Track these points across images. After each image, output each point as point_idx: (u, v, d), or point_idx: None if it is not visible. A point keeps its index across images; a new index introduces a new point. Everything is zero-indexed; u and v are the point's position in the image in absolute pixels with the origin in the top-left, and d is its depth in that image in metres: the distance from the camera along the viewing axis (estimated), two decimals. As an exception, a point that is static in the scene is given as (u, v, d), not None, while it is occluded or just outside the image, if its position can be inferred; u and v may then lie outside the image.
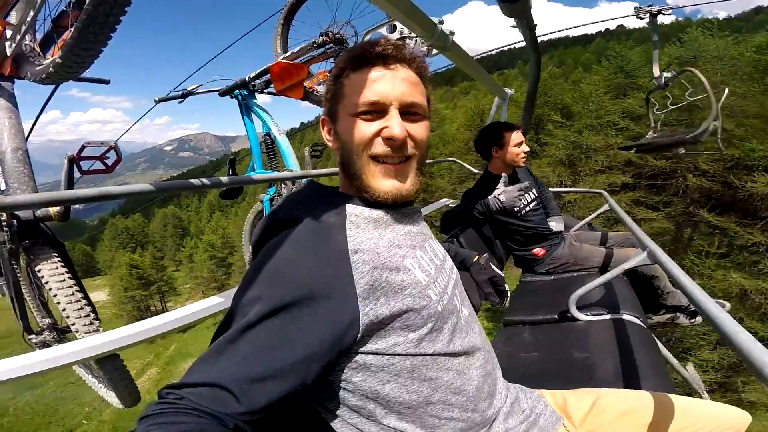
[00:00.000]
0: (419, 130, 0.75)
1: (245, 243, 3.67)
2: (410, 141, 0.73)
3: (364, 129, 0.72)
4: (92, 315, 1.60)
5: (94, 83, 1.67)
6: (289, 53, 2.40)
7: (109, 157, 1.90)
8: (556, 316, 1.82)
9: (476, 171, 5.08)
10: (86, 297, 1.64)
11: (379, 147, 0.72)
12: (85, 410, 21.09)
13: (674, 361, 1.60)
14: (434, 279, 0.74)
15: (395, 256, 0.69)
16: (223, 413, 0.51)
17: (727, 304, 2.46)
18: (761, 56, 15.15)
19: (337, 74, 0.77)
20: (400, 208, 0.78)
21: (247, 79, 2.65)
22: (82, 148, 1.76)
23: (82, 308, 1.58)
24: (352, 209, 0.73)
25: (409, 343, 0.66)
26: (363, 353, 0.65)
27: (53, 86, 1.66)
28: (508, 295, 1.40)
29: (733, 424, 0.88)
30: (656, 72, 3.20)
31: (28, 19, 1.06)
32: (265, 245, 0.68)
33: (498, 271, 1.40)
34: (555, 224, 2.59)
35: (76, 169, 1.68)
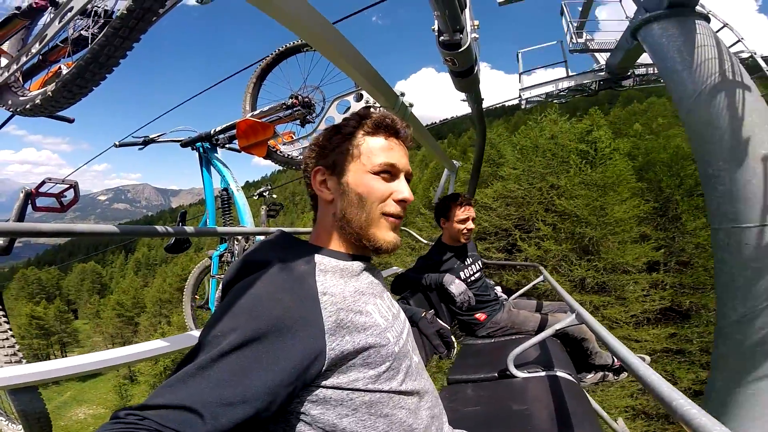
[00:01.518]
0: None
1: (186, 297, 3.53)
2: None
3: (382, 187, 0.84)
4: (16, 347, 1.48)
5: (58, 120, 1.66)
6: (257, 111, 2.52)
7: (66, 196, 1.84)
8: (497, 374, 1.92)
9: (425, 241, 5.31)
10: (11, 329, 1.52)
11: (392, 207, 0.84)
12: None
13: (605, 414, 1.71)
14: (391, 324, 0.81)
15: (359, 301, 0.76)
16: None
17: (647, 358, 2.68)
18: (578, 145, 16.35)
19: (350, 132, 0.86)
20: (364, 263, 0.87)
21: (211, 132, 2.70)
22: (42, 183, 1.71)
23: (7, 339, 1.47)
24: (320, 259, 0.79)
25: (368, 379, 0.71)
26: (325, 387, 0.68)
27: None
28: (455, 346, 1.46)
29: None
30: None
31: (33, 50, 1.08)
32: (239, 283, 0.71)
33: (444, 324, 1.48)
34: (499, 291, 2.79)
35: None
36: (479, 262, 2.73)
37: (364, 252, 0.88)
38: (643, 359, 2.65)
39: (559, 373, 1.76)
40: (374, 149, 0.85)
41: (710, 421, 0.56)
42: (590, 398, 1.64)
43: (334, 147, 0.87)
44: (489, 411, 1.60)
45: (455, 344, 1.48)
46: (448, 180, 4.37)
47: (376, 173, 0.83)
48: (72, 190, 1.86)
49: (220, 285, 0.77)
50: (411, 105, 2.18)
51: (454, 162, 4.26)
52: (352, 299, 0.75)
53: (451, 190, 4.30)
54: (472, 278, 2.59)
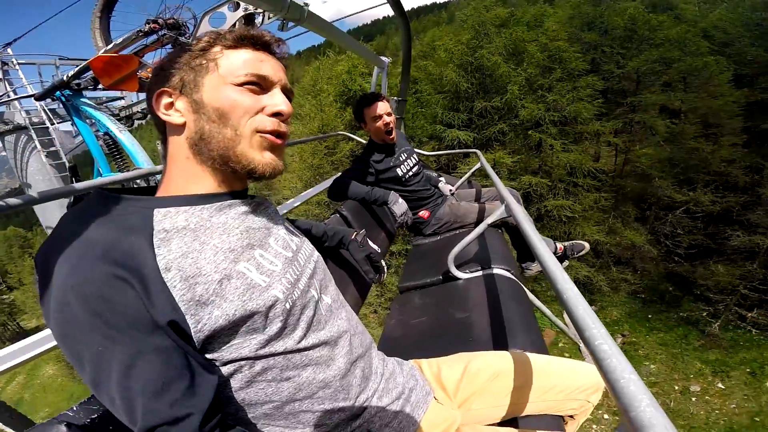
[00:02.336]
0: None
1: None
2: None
3: (249, 100, 0.70)
4: None
5: None
6: (111, 45, 2.06)
7: None
8: (441, 277, 1.90)
9: (363, 141, 5.06)
10: None
11: (267, 122, 0.71)
12: None
13: (548, 312, 1.74)
14: (280, 276, 0.69)
15: (222, 264, 0.63)
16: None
17: (586, 246, 2.79)
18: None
19: (204, 48, 0.71)
20: (235, 201, 0.73)
21: (66, 78, 2.22)
22: None
23: None
24: (161, 219, 0.63)
25: (257, 345, 0.63)
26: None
27: None
28: (385, 270, 1.40)
29: (593, 382, 0.98)
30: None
31: None
32: (66, 282, 0.54)
33: (375, 247, 1.38)
34: (443, 185, 2.73)
35: None
36: (414, 156, 2.60)
37: (232, 183, 0.74)
38: (582, 247, 2.79)
39: (496, 270, 1.75)
40: (236, 61, 0.70)
41: (621, 363, 0.50)
42: (530, 295, 1.67)
43: (182, 65, 0.71)
44: (433, 321, 1.60)
45: (385, 268, 1.42)
46: (379, 78, 3.99)
47: (240, 84, 0.69)
48: None
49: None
50: (306, 4, 1.79)
51: (383, 58, 3.85)
52: (212, 266, 0.61)
53: (384, 89, 3.96)
54: (410, 173, 2.48)
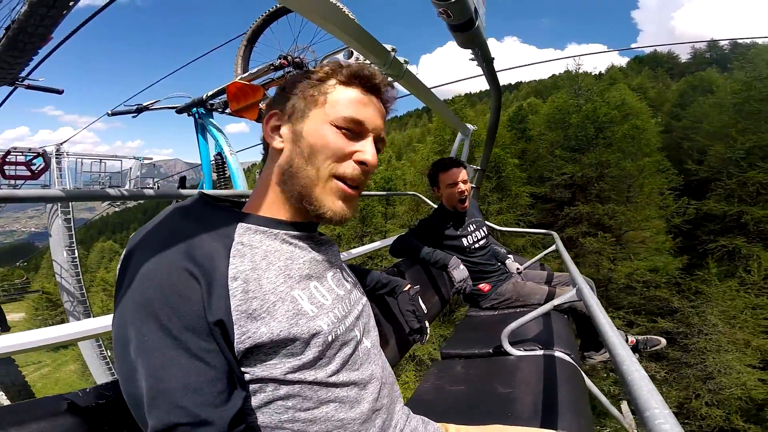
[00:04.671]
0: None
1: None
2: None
3: (340, 143, 0.72)
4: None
5: (47, 92, 1.59)
6: (247, 74, 2.42)
7: (35, 164, 1.83)
8: (491, 351, 1.81)
9: (434, 205, 5.14)
10: None
11: (349, 168, 0.72)
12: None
13: (605, 399, 1.58)
14: (329, 309, 0.70)
15: (280, 287, 0.65)
16: None
17: (663, 341, 2.53)
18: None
19: (322, 78, 0.75)
20: (306, 234, 0.76)
21: (204, 97, 2.63)
22: (8, 152, 1.69)
23: None
24: (242, 233, 0.67)
25: (289, 369, 0.62)
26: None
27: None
28: (428, 332, 1.35)
29: None
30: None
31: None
32: (135, 266, 0.58)
33: (423, 306, 1.36)
34: (510, 262, 2.67)
35: None
36: (484, 228, 2.57)
37: (307, 218, 0.76)
38: (658, 342, 2.53)
39: (557, 353, 1.63)
40: (343, 99, 0.73)
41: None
42: (588, 381, 1.51)
43: (298, 91, 0.74)
44: (473, 390, 1.50)
45: (428, 330, 1.37)
46: (461, 144, 4.10)
47: (339, 126, 0.71)
48: (41, 158, 1.84)
49: (121, 256, 0.63)
50: (406, 62, 1.98)
51: (469, 126, 3.99)
52: (271, 285, 0.64)
53: (464, 156, 4.06)
54: (476, 245, 2.45)
